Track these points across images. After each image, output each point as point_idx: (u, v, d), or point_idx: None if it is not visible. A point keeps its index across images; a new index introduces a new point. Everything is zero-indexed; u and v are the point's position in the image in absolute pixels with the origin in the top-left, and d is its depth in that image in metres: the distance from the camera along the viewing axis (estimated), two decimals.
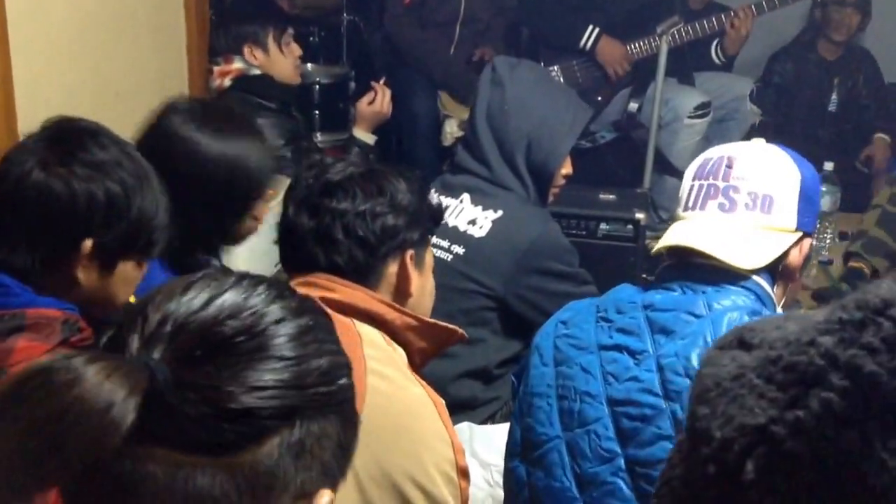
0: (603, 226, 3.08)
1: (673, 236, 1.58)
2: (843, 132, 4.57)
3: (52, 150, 1.47)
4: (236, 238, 2.05)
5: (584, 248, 2.67)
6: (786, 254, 1.54)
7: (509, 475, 1.64)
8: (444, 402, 1.47)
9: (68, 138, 1.51)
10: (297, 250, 1.56)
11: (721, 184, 1.54)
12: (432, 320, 1.58)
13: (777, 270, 1.56)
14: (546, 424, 1.55)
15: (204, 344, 0.76)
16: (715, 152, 1.60)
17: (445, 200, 2.32)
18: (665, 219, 4.05)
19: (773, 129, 4.46)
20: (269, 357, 0.77)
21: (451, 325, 1.59)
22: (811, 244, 1.61)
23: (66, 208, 1.44)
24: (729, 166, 1.54)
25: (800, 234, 1.55)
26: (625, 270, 3.00)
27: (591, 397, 1.50)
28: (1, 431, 0.68)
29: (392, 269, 1.56)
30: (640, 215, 3.07)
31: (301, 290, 0.89)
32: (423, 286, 1.64)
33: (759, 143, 1.61)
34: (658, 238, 4.38)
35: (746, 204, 1.52)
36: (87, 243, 1.45)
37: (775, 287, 1.56)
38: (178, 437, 0.72)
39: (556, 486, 1.51)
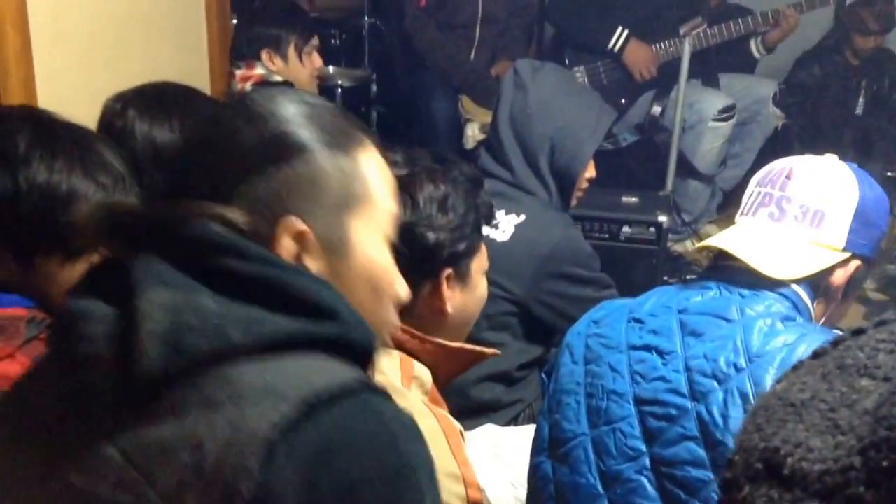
0: (625, 229, 3.07)
1: (717, 238, 1.57)
2: (870, 135, 4.52)
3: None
4: None
5: (607, 251, 2.66)
6: (830, 272, 1.50)
7: (535, 471, 1.63)
8: (459, 433, 1.36)
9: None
10: None
11: (777, 193, 1.52)
12: (458, 345, 1.47)
13: (819, 286, 1.52)
14: (573, 421, 1.54)
15: None
16: (781, 162, 1.58)
17: None
18: (688, 221, 4.03)
19: (798, 133, 4.42)
20: None
21: (478, 348, 1.49)
22: (860, 267, 1.52)
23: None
24: (788, 177, 1.52)
25: (848, 254, 1.50)
26: (647, 273, 2.99)
27: (618, 396, 1.49)
28: None
29: (425, 290, 1.46)
30: (662, 218, 3.06)
31: None
32: (464, 303, 1.51)
33: (829, 158, 1.58)
34: (681, 241, 4.36)
35: (796, 216, 1.50)
36: None
37: (816, 303, 1.53)
38: None
39: (581, 482, 1.51)
